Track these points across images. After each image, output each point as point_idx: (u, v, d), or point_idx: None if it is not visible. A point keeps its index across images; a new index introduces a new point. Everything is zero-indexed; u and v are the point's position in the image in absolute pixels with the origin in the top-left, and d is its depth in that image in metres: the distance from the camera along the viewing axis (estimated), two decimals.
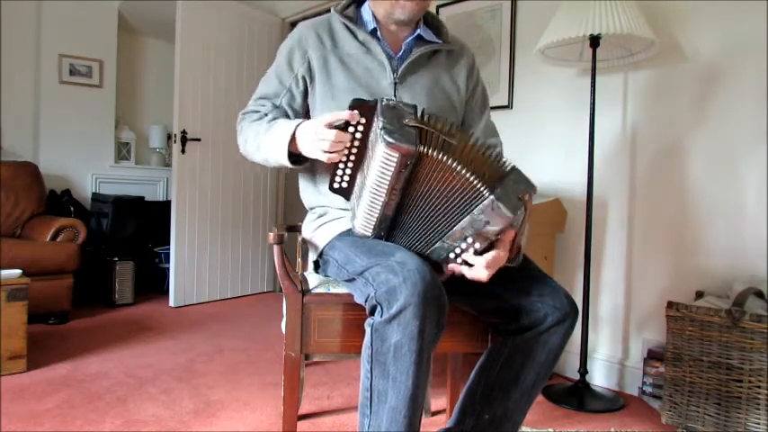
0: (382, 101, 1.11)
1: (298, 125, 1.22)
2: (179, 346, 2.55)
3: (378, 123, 1.08)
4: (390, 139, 1.03)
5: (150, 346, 2.53)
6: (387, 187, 1.08)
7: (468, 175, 1.06)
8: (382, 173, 1.07)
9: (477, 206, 1.06)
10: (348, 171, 1.21)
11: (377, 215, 1.13)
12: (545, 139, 2.42)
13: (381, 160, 1.06)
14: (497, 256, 1.11)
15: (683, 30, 2.03)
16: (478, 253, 1.10)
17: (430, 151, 1.06)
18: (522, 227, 1.13)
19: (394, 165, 1.05)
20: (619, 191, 2.20)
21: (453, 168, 1.06)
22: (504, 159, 1.16)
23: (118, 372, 2.16)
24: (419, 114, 1.11)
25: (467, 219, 1.08)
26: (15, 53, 3.62)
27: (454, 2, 2.72)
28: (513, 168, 1.13)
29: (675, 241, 2.05)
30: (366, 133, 1.15)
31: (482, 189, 1.06)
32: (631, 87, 2.17)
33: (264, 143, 1.29)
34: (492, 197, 1.05)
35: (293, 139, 1.22)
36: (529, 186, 1.09)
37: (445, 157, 1.06)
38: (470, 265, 1.11)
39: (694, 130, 2.01)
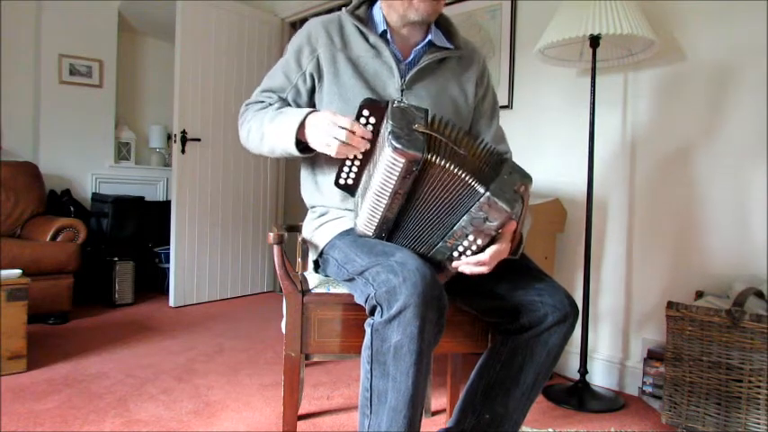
0: (393, 103, 1.10)
1: (309, 113, 1.20)
2: (179, 346, 2.55)
3: (387, 126, 1.06)
4: (397, 144, 1.02)
5: (150, 346, 2.53)
6: (390, 191, 1.07)
7: (464, 175, 1.05)
8: (387, 176, 1.06)
9: (474, 204, 1.06)
10: (355, 169, 1.20)
11: (379, 216, 1.13)
12: (545, 139, 2.42)
13: (387, 164, 1.05)
14: (499, 249, 1.11)
15: (683, 30, 2.03)
16: (481, 249, 1.10)
17: (436, 159, 1.04)
18: (521, 218, 1.12)
19: (399, 169, 1.04)
20: (619, 191, 2.20)
21: (454, 173, 1.05)
22: (496, 151, 1.14)
23: (118, 372, 2.16)
24: (429, 120, 1.10)
25: (465, 217, 1.07)
26: (15, 53, 3.62)
27: (454, 2, 2.72)
28: (506, 161, 1.12)
29: (675, 241, 2.05)
30: (376, 133, 1.14)
31: (477, 186, 1.05)
32: (631, 87, 2.17)
33: (270, 131, 1.27)
34: (488, 193, 1.04)
35: (302, 126, 1.20)
36: (524, 178, 1.09)
37: (449, 164, 1.05)
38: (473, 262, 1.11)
39: (694, 130, 2.01)
